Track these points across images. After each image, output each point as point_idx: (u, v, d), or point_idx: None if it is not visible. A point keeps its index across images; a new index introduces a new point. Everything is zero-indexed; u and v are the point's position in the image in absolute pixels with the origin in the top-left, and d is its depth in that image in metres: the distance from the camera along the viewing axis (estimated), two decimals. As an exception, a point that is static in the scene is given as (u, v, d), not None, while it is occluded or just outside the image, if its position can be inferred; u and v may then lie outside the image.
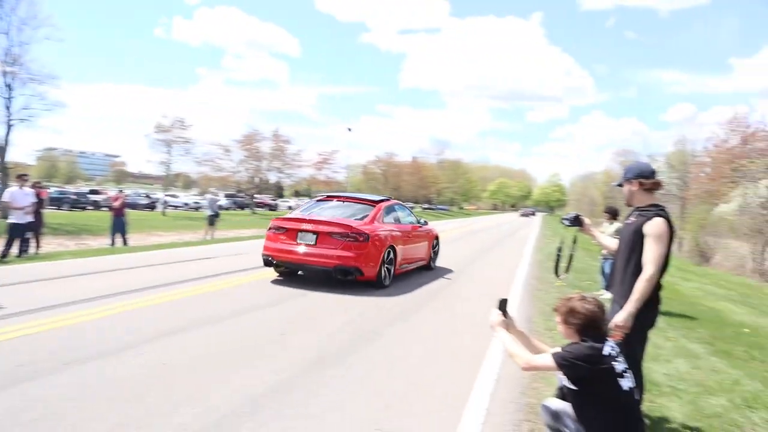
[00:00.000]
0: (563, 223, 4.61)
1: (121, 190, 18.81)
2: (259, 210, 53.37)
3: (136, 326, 6.05)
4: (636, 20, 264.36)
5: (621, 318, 3.65)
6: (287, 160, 53.85)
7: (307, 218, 9.68)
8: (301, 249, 9.30)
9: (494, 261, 16.02)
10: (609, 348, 3.07)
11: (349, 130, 66.12)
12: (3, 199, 12.86)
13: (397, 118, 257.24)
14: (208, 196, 22.45)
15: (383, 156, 77.93)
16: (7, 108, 26.90)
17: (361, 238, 9.24)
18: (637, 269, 3.73)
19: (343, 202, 10.93)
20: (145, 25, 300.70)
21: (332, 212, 10.30)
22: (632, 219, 3.94)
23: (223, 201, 51.07)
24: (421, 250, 12.03)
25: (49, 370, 4.50)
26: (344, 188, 75.32)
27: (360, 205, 10.63)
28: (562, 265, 4.91)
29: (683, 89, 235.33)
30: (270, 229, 9.94)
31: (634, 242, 3.83)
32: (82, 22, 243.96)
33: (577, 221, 4.52)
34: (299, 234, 9.41)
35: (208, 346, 5.49)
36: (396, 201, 12.08)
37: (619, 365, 3.05)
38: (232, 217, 38.83)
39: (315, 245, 9.24)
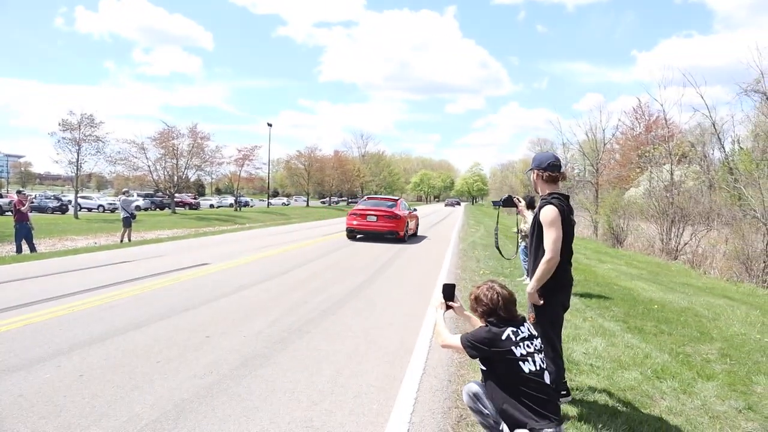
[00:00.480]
0: (494, 206, 4.78)
1: (21, 192, 17.37)
2: (179, 210, 51.60)
3: (48, 338, 5.71)
4: (545, 14, 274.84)
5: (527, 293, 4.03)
6: (206, 158, 52.18)
7: (370, 208, 19.02)
8: (371, 223, 18.44)
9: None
10: (510, 332, 3.27)
11: (270, 125, 64.85)
12: None
13: (318, 112, 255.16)
14: (121, 197, 21.43)
15: (305, 151, 76.92)
16: None
17: (396, 217, 18.45)
18: (543, 254, 3.98)
19: (379, 200, 20.73)
20: (43, 15, 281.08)
21: (378, 204, 19.77)
22: (537, 209, 4.17)
23: (140, 201, 49.03)
24: (414, 224, 21.23)
25: (-51, 391, 4.17)
26: (266, 184, 74.17)
27: (388, 201, 20.39)
28: (510, 246, 5.12)
29: (592, 80, 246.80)
30: (350, 214, 19.12)
31: (535, 230, 4.13)
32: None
33: (509, 202, 4.72)
34: (368, 216, 18.57)
35: (130, 354, 5.25)
36: (402, 198, 24.06)
37: (521, 349, 3.24)
38: (151, 217, 37.32)
39: (377, 221, 18.40)
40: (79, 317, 6.64)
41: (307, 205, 79.76)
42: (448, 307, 3.86)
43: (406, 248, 16.56)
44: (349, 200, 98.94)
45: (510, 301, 3.40)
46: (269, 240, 18.85)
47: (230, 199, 71.27)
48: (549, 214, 3.95)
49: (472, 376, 4.81)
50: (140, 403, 4.08)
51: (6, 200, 38.64)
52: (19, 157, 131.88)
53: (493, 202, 4.98)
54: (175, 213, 45.89)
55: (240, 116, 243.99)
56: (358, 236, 19.24)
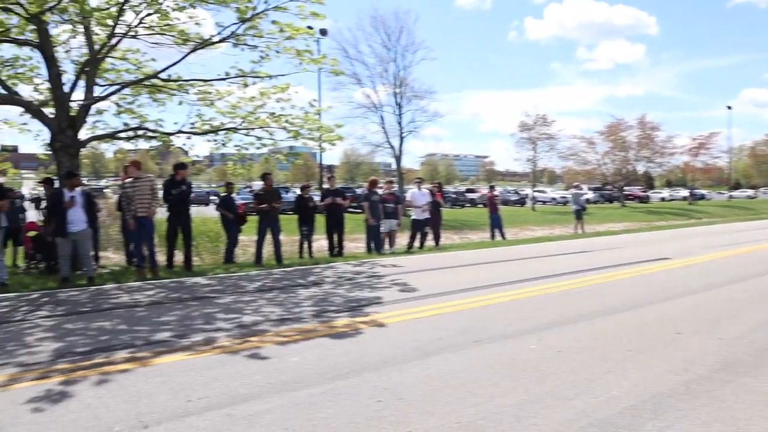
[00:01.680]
0: None
1: (493, 187, 20.15)
2: (629, 203, 50.60)
3: (529, 313, 6.47)
4: None
5: None
6: (656, 149, 49.68)
7: None
8: None
9: None
10: None
11: (729, 108, 57.18)
12: (406, 199, 15.25)
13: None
14: (572, 190, 22.47)
15: (778, 134, 64.97)
16: (399, 123, 32.11)
17: None
18: None
19: None
20: (499, 31, 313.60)
21: None
22: None
23: (589, 195, 50.10)
24: None
25: (461, 345, 5.17)
26: (726, 175, 65.72)
27: None
28: None
29: None
30: None
31: None
32: (445, 38, 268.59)
33: None
34: None
35: (599, 338, 5.48)
36: None
37: None
38: (601, 210, 37.81)
39: None
40: (551, 299, 7.31)
41: (781, 198, 67.38)
42: None
43: None
44: None
45: None
46: (734, 237, 16.74)
47: (683, 192, 66.07)
48: None
49: None
50: (616, 387, 4.20)
51: (477, 195, 45.07)
52: (485, 157, 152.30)
53: None
54: (624, 206, 45.32)
55: (691, 101, 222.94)
56: None
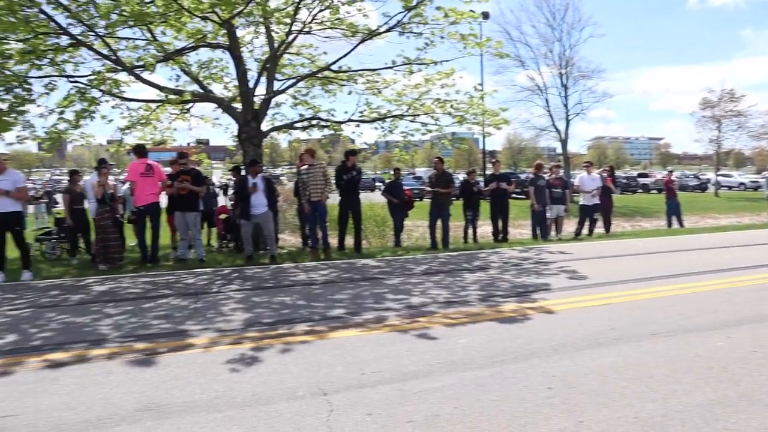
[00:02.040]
0: None
1: (671, 171, 18.75)
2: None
3: (713, 307, 5.93)
4: None
5: None
6: None
7: None
8: None
9: None
10: None
11: None
12: (575, 184, 14.58)
13: None
14: (766, 174, 19.97)
15: None
16: (565, 105, 30.73)
17: None
18: None
19: None
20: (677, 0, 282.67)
21: None
22: None
23: (788, 179, 44.16)
24: None
25: (636, 337, 4.88)
26: None
27: None
28: None
29: None
30: None
31: None
32: (614, 12, 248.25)
33: None
34: None
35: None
36: None
37: None
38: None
39: None
40: (738, 293, 6.60)
41: None
42: None
43: None
44: None
45: None
46: None
47: None
48: None
49: None
50: (827, 395, 3.72)
51: (650, 179, 41.80)
52: (659, 139, 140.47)
53: None
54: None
55: None
56: None
